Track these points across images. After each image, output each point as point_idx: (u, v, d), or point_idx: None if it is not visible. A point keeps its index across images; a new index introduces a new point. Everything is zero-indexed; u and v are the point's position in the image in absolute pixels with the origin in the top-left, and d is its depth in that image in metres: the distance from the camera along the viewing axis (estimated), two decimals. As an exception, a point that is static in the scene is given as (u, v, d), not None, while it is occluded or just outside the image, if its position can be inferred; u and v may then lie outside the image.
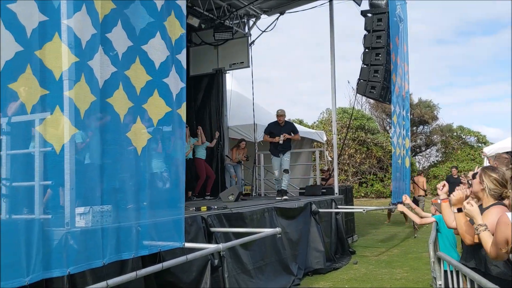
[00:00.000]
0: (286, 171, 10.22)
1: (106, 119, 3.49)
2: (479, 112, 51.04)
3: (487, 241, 3.07)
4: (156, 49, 4.04)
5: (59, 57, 3.12)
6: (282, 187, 10.25)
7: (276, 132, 10.24)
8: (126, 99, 3.69)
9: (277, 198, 10.04)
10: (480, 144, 27.41)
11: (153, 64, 4.04)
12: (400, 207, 5.99)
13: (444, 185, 4.24)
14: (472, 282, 3.12)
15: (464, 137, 28.74)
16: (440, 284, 3.93)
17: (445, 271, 3.78)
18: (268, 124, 10.68)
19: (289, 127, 10.51)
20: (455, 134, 28.87)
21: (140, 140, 3.83)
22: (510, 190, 3.45)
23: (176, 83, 4.23)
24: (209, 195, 11.51)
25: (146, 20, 3.94)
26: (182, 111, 4.42)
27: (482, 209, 3.78)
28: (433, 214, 5.74)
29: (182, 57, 4.50)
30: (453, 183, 14.37)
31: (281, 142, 10.10)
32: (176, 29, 4.29)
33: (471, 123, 63.59)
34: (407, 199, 5.92)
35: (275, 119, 10.63)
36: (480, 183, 3.70)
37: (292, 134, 10.44)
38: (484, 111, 51.36)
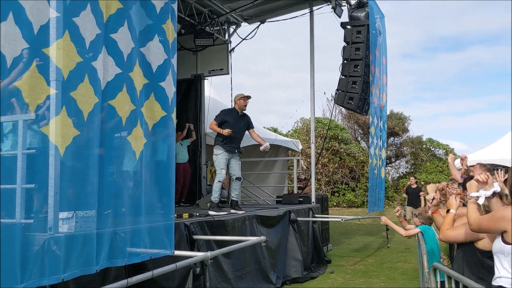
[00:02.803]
0: (239, 179, 8.33)
1: (109, 121, 3.37)
2: (444, 126, 52.44)
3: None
4: (155, 52, 3.96)
5: (68, 55, 2.99)
6: (233, 198, 8.38)
7: (232, 122, 8.08)
8: (129, 101, 3.59)
9: (232, 211, 8.06)
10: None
11: (151, 66, 3.94)
12: (384, 220, 6.04)
13: (433, 199, 4.32)
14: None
15: (433, 149, 29.41)
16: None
17: (442, 282, 3.80)
18: (222, 111, 8.39)
19: (247, 119, 8.48)
20: (424, 146, 29.51)
21: (138, 144, 3.72)
22: None
23: (170, 88, 4.15)
24: (184, 201, 11.38)
25: (145, 22, 3.86)
26: (174, 116, 4.34)
27: None
28: (417, 225, 5.82)
29: (175, 61, 4.43)
30: (412, 193, 14.69)
31: (265, 149, 8.26)
32: (171, 32, 4.22)
33: (437, 136, 65.28)
34: (398, 211, 5.99)
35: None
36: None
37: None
38: (448, 125, 52.80)
